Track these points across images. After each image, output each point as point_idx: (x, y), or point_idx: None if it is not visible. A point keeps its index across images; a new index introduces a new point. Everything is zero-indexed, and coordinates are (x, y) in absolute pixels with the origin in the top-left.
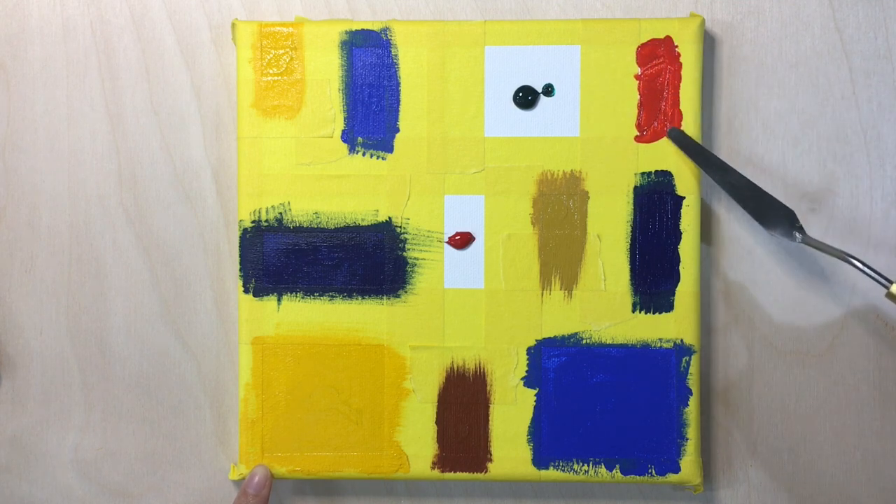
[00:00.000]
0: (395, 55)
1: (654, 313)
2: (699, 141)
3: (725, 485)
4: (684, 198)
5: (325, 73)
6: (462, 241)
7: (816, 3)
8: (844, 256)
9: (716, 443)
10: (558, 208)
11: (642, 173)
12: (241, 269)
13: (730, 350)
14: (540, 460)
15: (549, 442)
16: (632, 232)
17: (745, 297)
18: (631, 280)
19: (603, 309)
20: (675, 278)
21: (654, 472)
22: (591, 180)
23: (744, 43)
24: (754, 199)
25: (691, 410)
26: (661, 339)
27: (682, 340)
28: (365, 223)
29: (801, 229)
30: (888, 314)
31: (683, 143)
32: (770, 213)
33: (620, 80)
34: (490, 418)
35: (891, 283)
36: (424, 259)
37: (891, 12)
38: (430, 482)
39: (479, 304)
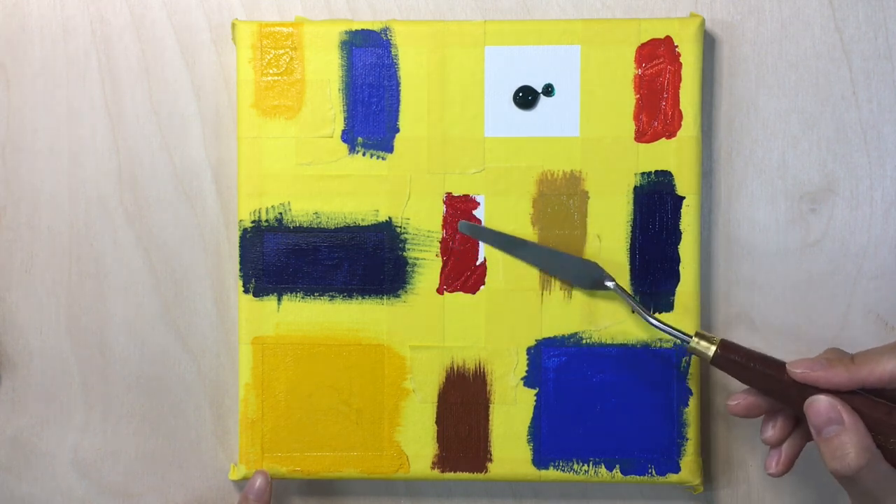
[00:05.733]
0: (395, 55)
1: (654, 313)
2: (699, 141)
3: (725, 485)
4: (684, 198)
5: (325, 73)
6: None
7: (816, 3)
8: (646, 315)
9: (716, 443)
10: (558, 208)
11: (642, 173)
12: (241, 269)
13: None
14: (540, 460)
15: (549, 442)
16: (632, 232)
17: (745, 297)
18: (631, 280)
19: (603, 309)
20: (675, 278)
21: (654, 472)
22: (591, 180)
23: (744, 43)
24: (560, 264)
25: (691, 410)
26: (661, 339)
27: None
28: (365, 223)
29: (609, 277)
30: (888, 314)
31: (476, 232)
32: (579, 271)
33: (620, 80)
34: (490, 418)
35: (690, 337)
36: (424, 259)
37: (891, 12)
38: (430, 482)
39: (480, 303)
